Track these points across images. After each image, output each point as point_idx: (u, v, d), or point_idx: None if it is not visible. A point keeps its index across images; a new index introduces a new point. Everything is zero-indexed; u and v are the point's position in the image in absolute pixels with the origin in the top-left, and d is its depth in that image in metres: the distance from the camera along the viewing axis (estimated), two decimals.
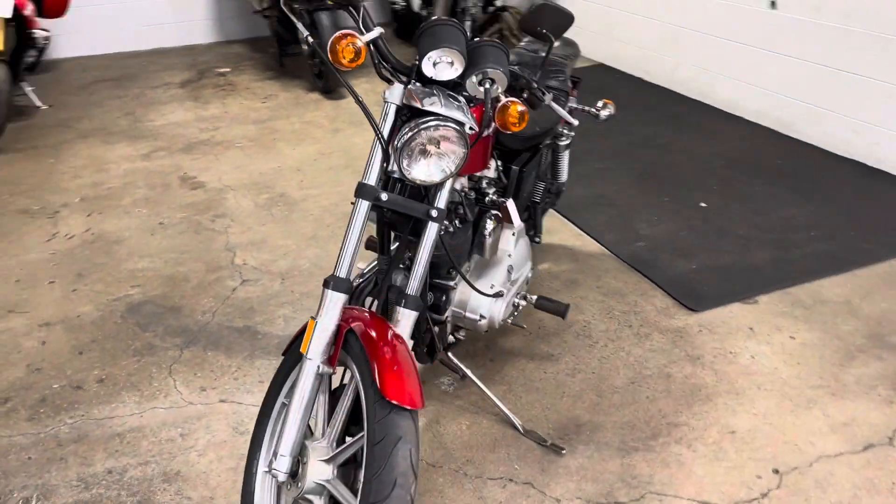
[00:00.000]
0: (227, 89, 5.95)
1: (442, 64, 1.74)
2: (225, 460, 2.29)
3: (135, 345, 2.86)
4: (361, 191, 1.78)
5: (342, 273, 1.78)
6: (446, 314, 2.28)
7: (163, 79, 6.24)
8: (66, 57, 6.88)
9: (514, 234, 2.48)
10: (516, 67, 2.00)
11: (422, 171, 1.78)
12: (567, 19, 2.03)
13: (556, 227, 3.64)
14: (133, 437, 2.39)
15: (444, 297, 2.21)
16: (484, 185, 2.26)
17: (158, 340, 2.89)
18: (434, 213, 1.84)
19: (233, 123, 5.21)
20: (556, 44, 2.79)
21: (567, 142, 2.88)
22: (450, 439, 2.36)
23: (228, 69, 6.49)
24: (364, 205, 1.79)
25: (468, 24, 5.72)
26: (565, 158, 2.96)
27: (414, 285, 1.86)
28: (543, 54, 2.61)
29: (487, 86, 1.79)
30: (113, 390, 2.60)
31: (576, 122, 2.30)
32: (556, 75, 2.75)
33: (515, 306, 2.49)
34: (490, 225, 2.26)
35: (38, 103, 5.55)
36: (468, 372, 2.43)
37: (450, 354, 2.43)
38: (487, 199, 2.25)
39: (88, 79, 6.25)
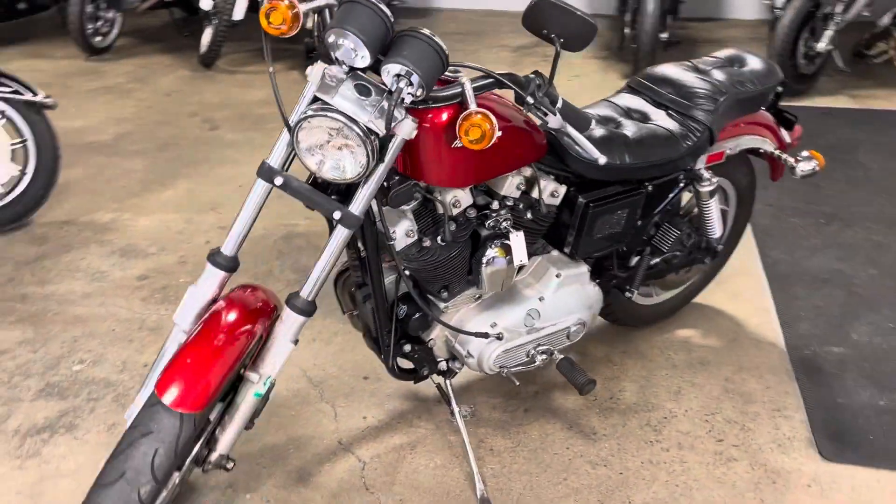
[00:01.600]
0: (550, 61, 5.84)
1: (344, 48, 1.47)
2: None
3: (260, 268, 3.06)
4: (260, 169, 1.62)
5: (226, 250, 1.67)
6: (429, 336, 2.01)
7: (502, 41, 6.38)
8: (440, 7, 7.43)
9: (558, 276, 2.06)
10: (496, 73, 1.62)
11: (313, 162, 1.56)
12: (583, 25, 1.56)
13: (738, 290, 2.92)
14: None
15: (417, 314, 1.94)
16: (496, 205, 1.89)
17: (278, 271, 3.05)
18: (338, 214, 1.61)
19: None
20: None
21: (711, 187, 2.25)
22: (406, 470, 2.11)
23: None
24: (260, 184, 1.64)
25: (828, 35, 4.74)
26: (713, 208, 2.33)
27: (308, 286, 1.66)
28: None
29: (398, 84, 1.47)
30: None
31: (601, 159, 1.78)
32: (701, 103, 2.15)
33: (531, 358, 2.08)
34: (490, 253, 1.90)
35: None
36: (456, 410, 2.13)
37: (446, 383, 2.14)
38: (489, 222, 1.88)
39: (440, 30, 6.67)
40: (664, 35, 5.19)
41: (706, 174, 2.24)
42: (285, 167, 1.64)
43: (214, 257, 1.66)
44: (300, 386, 2.42)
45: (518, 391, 2.40)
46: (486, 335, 1.96)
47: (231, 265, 1.68)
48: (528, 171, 1.93)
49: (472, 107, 1.56)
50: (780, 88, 2.42)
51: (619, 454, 2.17)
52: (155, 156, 4.17)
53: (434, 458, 2.16)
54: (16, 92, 3.31)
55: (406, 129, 1.56)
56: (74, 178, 3.89)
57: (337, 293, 2.09)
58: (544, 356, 2.08)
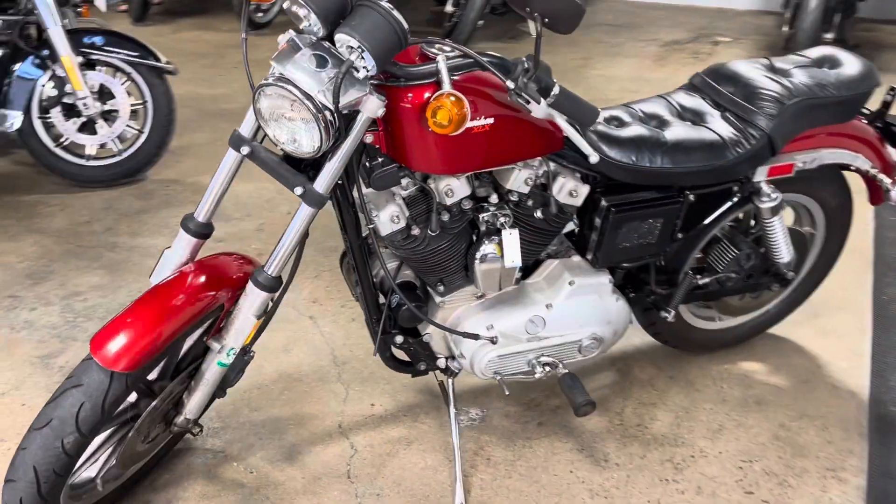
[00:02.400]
0: (700, 58, 5.46)
1: (298, 14, 1.40)
2: None
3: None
4: (231, 137, 1.60)
5: (199, 216, 1.68)
6: (425, 329, 1.91)
7: (655, 35, 6.04)
8: None
9: (570, 284, 1.89)
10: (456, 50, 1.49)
11: (272, 132, 1.51)
12: (568, 4, 1.39)
13: (833, 326, 2.55)
14: None
15: (405, 305, 1.84)
16: (495, 199, 1.75)
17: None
18: (299, 190, 1.55)
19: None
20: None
21: (772, 203, 1.97)
22: (394, 465, 2.03)
23: (728, 39, 5.91)
24: (230, 152, 1.62)
25: None
26: (777, 228, 2.04)
27: (270, 262, 1.62)
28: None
29: (347, 55, 1.38)
30: None
31: (592, 157, 1.57)
32: (764, 107, 1.87)
33: (531, 368, 1.92)
34: (485, 249, 1.77)
35: (532, 33, 5.96)
36: (452, 412, 2.02)
37: (448, 381, 2.04)
38: (484, 216, 1.75)
39: (593, 21, 6.41)
40: (829, 35, 4.66)
41: (766, 188, 1.96)
42: (258, 137, 1.61)
43: (186, 222, 1.67)
44: (324, 363, 2.40)
45: (539, 402, 2.25)
46: (476, 336, 1.83)
47: (202, 231, 1.68)
48: (545, 166, 1.78)
49: (446, 87, 1.45)
50: (890, 96, 2.07)
51: (626, 488, 1.97)
52: None
53: (427, 457, 2.06)
54: (141, 57, 3.54)
55: (370, 106, 1.47)
56: (197, 142, 4.12)
57: (343, 275, 2.05)
58: (547, 368, 1.92)
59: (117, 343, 1.46)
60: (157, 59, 3.55)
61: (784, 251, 2.09)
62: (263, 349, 2.45)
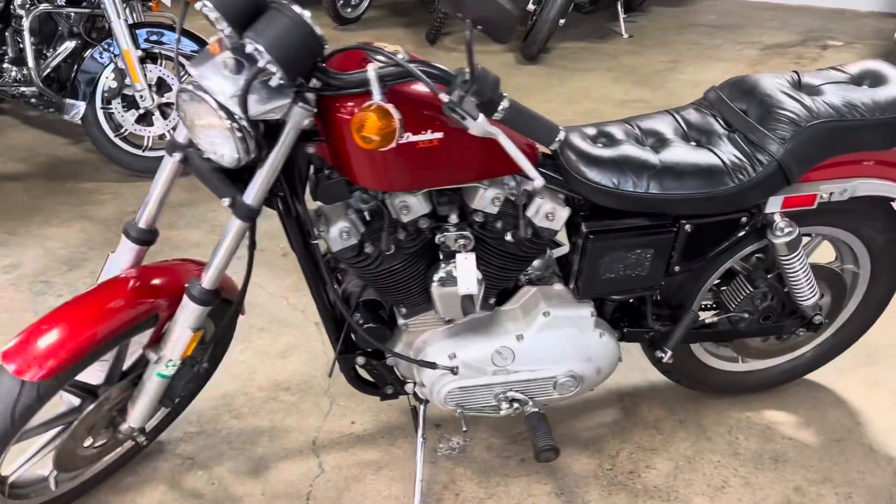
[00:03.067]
0: (802, 63, 5.03)
1: (210, 17, 1.31)
2: None
3: None
4: (167, 142, 1.54)
5: (140, 223, 1.64)
6: (387, 353, 1.80)
7: (758, 37, 5.61)
8: None
9: (545, 315, 1.73)
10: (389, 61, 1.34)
11: (195, 138, 1.43)
12: (499, 12, 1.23)
13: (886, 377, 2.23)
14: None
15: (369, 325, 1.73)
16: (454, 219, 1.61)
17: None
18: (227, 201, 1.47)
19: None
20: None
21: (787, 238, 1.72)
22: (357, 491, 1.93)
23: (840, 43, 5.42)
24: (166, 158, 1.56)
25: None
26: (796, 266, 1.79)
27: (204, 276, 1.56)
28: None
29: (257, 60, 1.28)
30: None
31: (537, 181, 1.39)
32: (777, 129, 1.63)
33: (498, 402, 1.77)
34: (443, 272, 1.63)
35: (623, 33, 5.70)
36: (420, 441, 1.90)
37: (420, 407, 1.92)
38: (439, 237, 1.60)
39: (693, 21, 6.04)
40: None
41: (780, 222, 1.72)
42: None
43: (128, 229, 1.63)
44: (317, 374, 2.33)
45: (527, 436, 2.07)
46: (433, 365, 1.70)
47: (145, 238, 1.64)
48: (511, 184, 1.63)
49: (377, 98, 1.32)
50: None
51: None
52: None
53: (393, 485, 1.95)
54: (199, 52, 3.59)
55: (295, 116, 1.37)
56: None
57: None
58: (515, 405, 1.76)
59: (30, 352, 1.43)
60: None
61: (807, 292, 1.83)
62: (262, 354, 2.41)
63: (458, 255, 1.59)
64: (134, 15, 3.62)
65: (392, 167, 1.46)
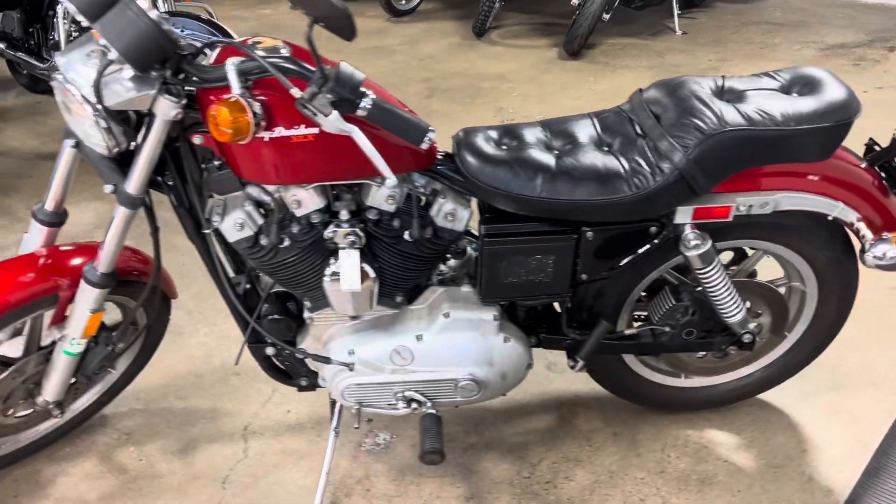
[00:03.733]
0: (862, 66, 4.73)
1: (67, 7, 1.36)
2: None
3: None
4: (64, 127, 1.60)
5: (47, 206, 1.70)
6: (301, 342, 1.82)
7: (821, 36, 5.32)
8: None
9: (445, 316, 1.71)
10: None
11: (70, 125, 1.49)
12: (330, 8, 1.22)
13: (850, 403, 2.09)
14: None
15: (273, 318, 1.76)
16: (345, 215, 1.61)
17: None
18: (110, 188, 1.53)
19: None
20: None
21: (697, 252, 1.64)
22: (272, 479, 1.97)
23: None
24: (64, 143, 1.62)
25: None
26: (714, 280, 1.70)
27: (98, 259, 1.62)
28: None
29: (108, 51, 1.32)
30: None
31: (389, 179, 1.36)
32: (681, 137, 1.55)
33: (396, 401, 1.77)
34: (333, 267, 1.63)
35: (676, 29, 5.52)
36: (332, 434, 1.91)
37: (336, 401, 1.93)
38: (326, 232, 1.61)
39: (758, 18, 5.77)
40: None
41: (689, 233, 1.63)
42: None
43: (35, 212, 1.71)
44: None
45: (455, 437, 2.07)
46: (327, 360, 1.71)
47: (53, 220, 1.71)
48: (420, 182, 1.62)
49: (235, 91, 1.34)
50: None
51: None
52: None
53: (310, 477, 1.97)
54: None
55: (162, 108, 1.41)
56: None
57: None
58: (413, 406, 1.76)
59: None
60: None
61: (731, 308, 1.74)
62: (223, 337, 2.47)
63: (341, 252, 1.59)
64: (165, 4, 3.76)
65: (268, 161, 1.48)
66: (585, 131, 1.70)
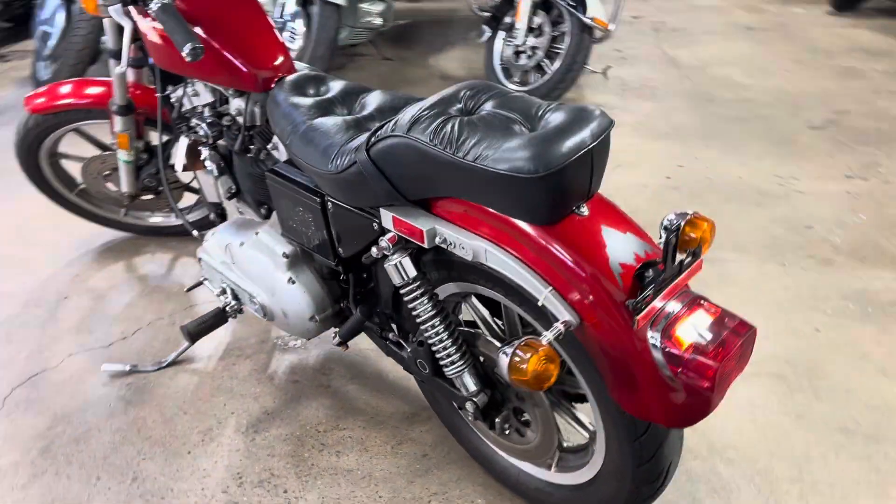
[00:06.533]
0: None
1: None
2: None
3: None
4: None
5: None
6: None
7: None
8: None
9: (256, 234, 1.90)
10: None
11: None
12: None
13: None
14: None
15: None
16: (207, 112, 1.89)
17: None
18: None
19: None
20: None
21: (388, 262, 1.44)
22: (164, 387, 2.23)
23: None
24: None
25: None
26: (420, 310, 1.47)
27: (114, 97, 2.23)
28: None
29: None
30: None
31: (185, 48, 1.55)
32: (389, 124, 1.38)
33: (220, 288, 2.02)
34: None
35: None
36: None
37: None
38: (192, 122, 1.90)
39: None
40: None
41: (383, 240, 1.45)
42: None
43: None
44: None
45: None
46: (190, 234, 2.05)
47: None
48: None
49: None
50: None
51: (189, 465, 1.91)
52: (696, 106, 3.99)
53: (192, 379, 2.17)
54: (576, 8, 3.89)
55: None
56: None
57: None
58: (230, 301, 1.98)
59: (45, 94, 2.35)
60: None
61: (445, 359, 1.48)
62: None
63: (180, 140, 1.89)
64: None
65: (150, 46, 1.86)
66: (378, 100, 1.62)
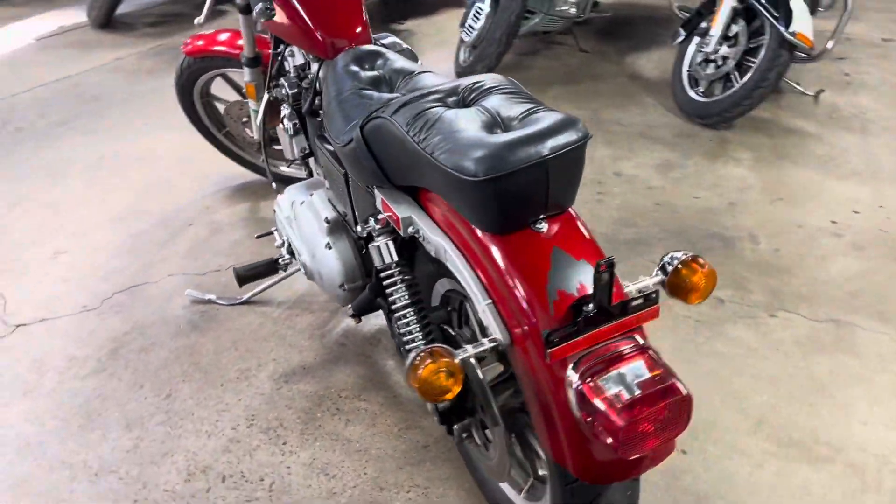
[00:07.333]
0: None
1: None
2: None
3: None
4: None
5: None
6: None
7: None
8: None
9: (310, 195, 1.98)
10: None
11: None
12: None
13: None
14: None
15: None
16: (293, 75, 1.97)
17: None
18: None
19: None
20: None
21: (372, 243, 1.43)
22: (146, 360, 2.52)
23: None
24: None
25: None
26: (395, 297, 1.45)
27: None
28: None
29: None
30: None
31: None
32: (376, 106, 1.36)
33: (282, 241, 2.11)
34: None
35: None
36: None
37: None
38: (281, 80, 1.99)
39: None
40: None
41: (372, 220, 1.45)
42: None
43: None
44: None
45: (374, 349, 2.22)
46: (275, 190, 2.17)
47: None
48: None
49: None
50: None
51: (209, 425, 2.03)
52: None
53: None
54: (779, 20, 3.54)
55: None
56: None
57: None
58: (282, 251, 2.08)
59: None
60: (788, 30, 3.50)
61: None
62: None
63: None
64: None
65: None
66: (418, 82, 1.58)
